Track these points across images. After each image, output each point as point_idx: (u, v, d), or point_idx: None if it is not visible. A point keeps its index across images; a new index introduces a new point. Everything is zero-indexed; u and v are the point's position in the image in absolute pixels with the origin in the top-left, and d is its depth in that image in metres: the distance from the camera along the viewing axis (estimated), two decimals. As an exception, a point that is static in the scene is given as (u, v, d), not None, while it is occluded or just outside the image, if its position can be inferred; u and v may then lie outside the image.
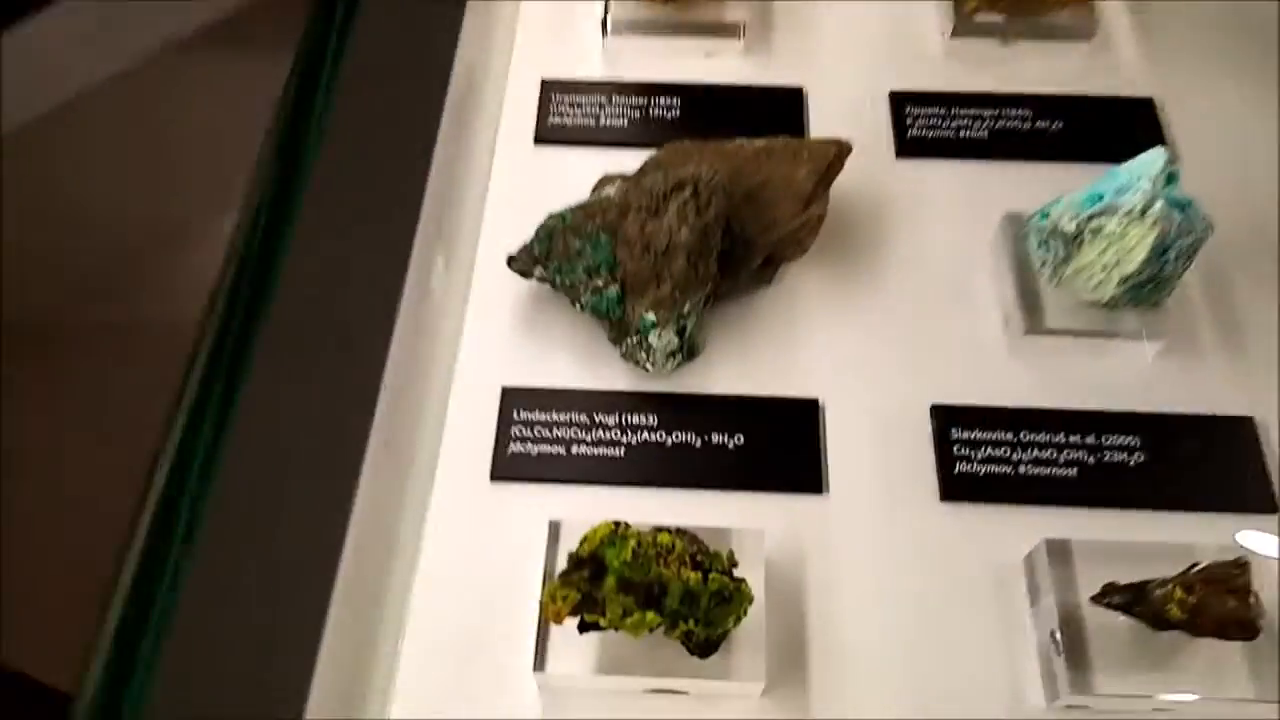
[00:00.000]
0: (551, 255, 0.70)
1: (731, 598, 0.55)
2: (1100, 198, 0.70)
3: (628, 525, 0.56)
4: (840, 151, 0.76)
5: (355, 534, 0.60)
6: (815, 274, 0.77)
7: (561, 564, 0.58)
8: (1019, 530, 0.66)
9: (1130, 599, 0.59)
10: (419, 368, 0.71)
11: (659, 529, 0.57)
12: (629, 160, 0.77)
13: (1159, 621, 0.58)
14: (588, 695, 0.60)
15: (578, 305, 0.70)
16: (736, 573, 0.57)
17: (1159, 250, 0.68)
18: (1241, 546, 0.63)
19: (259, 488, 0.59)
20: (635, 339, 0.69)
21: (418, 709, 0.59)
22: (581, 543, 0.55)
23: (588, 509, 0.66)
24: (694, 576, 0.55)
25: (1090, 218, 0.70)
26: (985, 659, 0.62)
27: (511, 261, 0.72)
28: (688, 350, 0.70)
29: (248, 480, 0.58)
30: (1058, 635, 0.61)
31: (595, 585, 0.55)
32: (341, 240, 0.65)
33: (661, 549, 0.55)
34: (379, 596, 0.62)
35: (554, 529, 0.61)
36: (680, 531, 0.58)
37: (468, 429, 0.69)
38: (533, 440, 0.68)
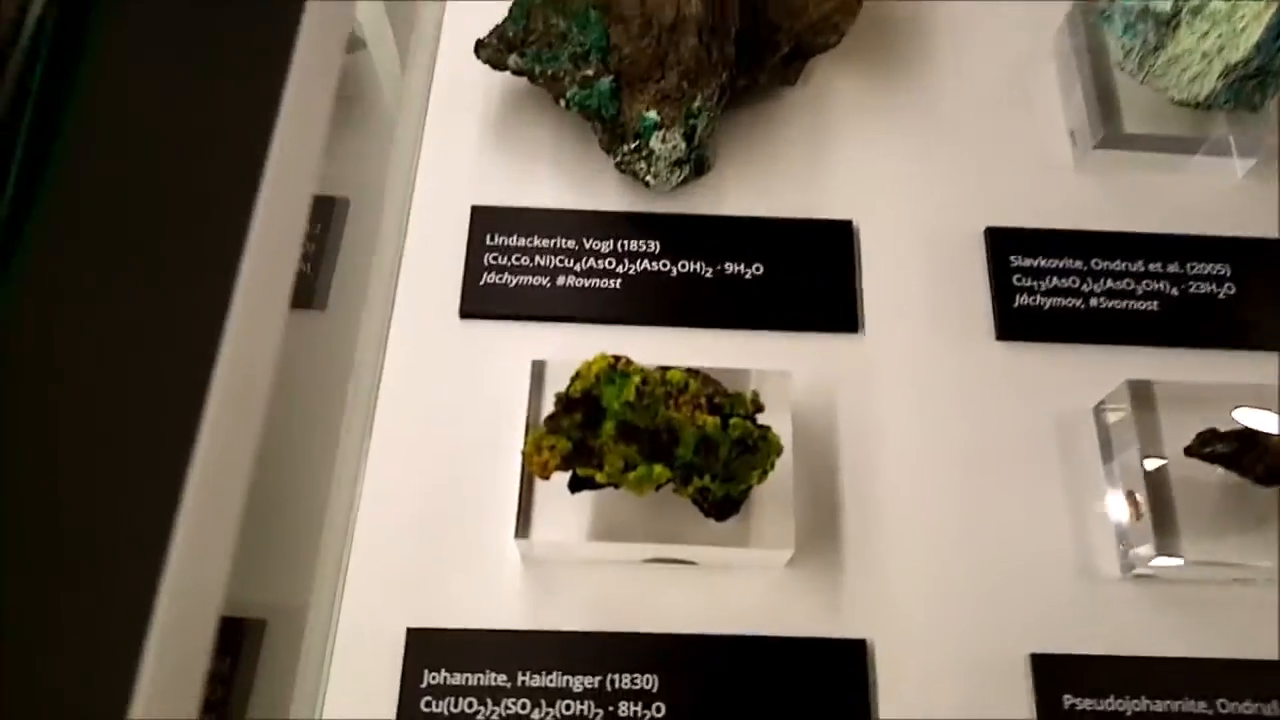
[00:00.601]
0: (529, 39, 0.57)
1: (756, 447, 0.45)
2: (1202, -30, 0.57)
3: (629, 360, 0.45)
4: (881, -78, 0.62)
5: (294, 387, 0.48)
6: (849, 71, 0.64)
7: (549, 410, 0.47)
8: (1089, 373, 0.56)
9: (1236, 449, 0.49)
10: (366, 183, 0.58)
11: (667, 367, 0.46)
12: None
13: (1272, 476, 0.48)
14: (578, 568, 0.50)
15: (562, 102, 0.57)
16: (761, 419, 0.46)
17: (1275, 32, 0.56)
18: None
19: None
20: (633, 144, 0.56)
21: (376, 590, 0.49)
22: (573, 380, 0.44)
23: (576, 352, 0.54)
24: (711, 421, 0.44)
25: (1190, -6, 0.57)
26: (1046, 522, 0.52)
27: (480, 49, 0.58)
28: (696, 162, 0.58)
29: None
30: (1138, 496, 0.51)
31: (590, 432, 0.44)
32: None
33: (672, 388, 0.44)
34: (326, 458, 0.51)
35: (537, 370, 0.50)
36: (692, 371, 0.47)
37: (431, 257, 0.57)
38: (509, 270, 0.57)
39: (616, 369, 0.44)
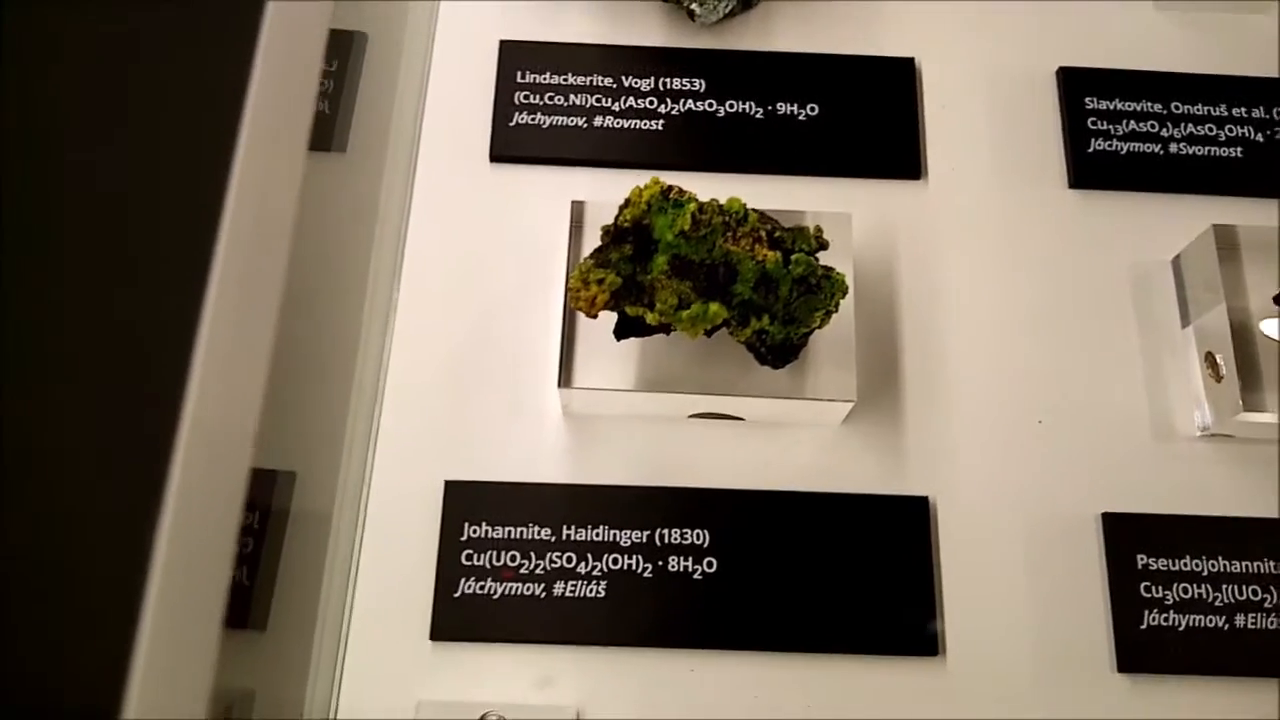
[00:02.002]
0: None
1: (819, 286, 0.41)
2: None
3: (682, 189, 0.41)
4: None
5: (314, 233, 0.45)
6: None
7: (590, 251, 0.43)
8: (1167, 224, 0.52)
9: (1333, 294, 0.45)
10: (386, 15, 0.54)
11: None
12: None
13: (1374, 321, 0.45)
14: (621, 423, 0.47)
15: (599, -76, 0.52)
16: (824, 260, 0.43)
17: None
18: None
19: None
20: (677, -30, 0.51)
21: (410, 443, 0.46)
22: (623, 208, 0.40)
23: (615, 197, 0.51)
24: (772, 256, 0.40)
25: None
26: (1119, 379, 0.49)
27: None
28: (745, -9, 0.53)
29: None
30: (1219, 358, 0.47)
31: (640, 266, 0.40)
32: None
33: (731, 218, 0.40)
34: (353, 308, 0.48)
35: (577, 211, 0.46)
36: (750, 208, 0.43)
37: (457, 97, 0.53)
38: (542, 109, 0.52)
39: (670, 196, 0.40)
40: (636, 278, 0.40)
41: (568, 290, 0.41)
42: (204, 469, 0.34)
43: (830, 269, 0.42)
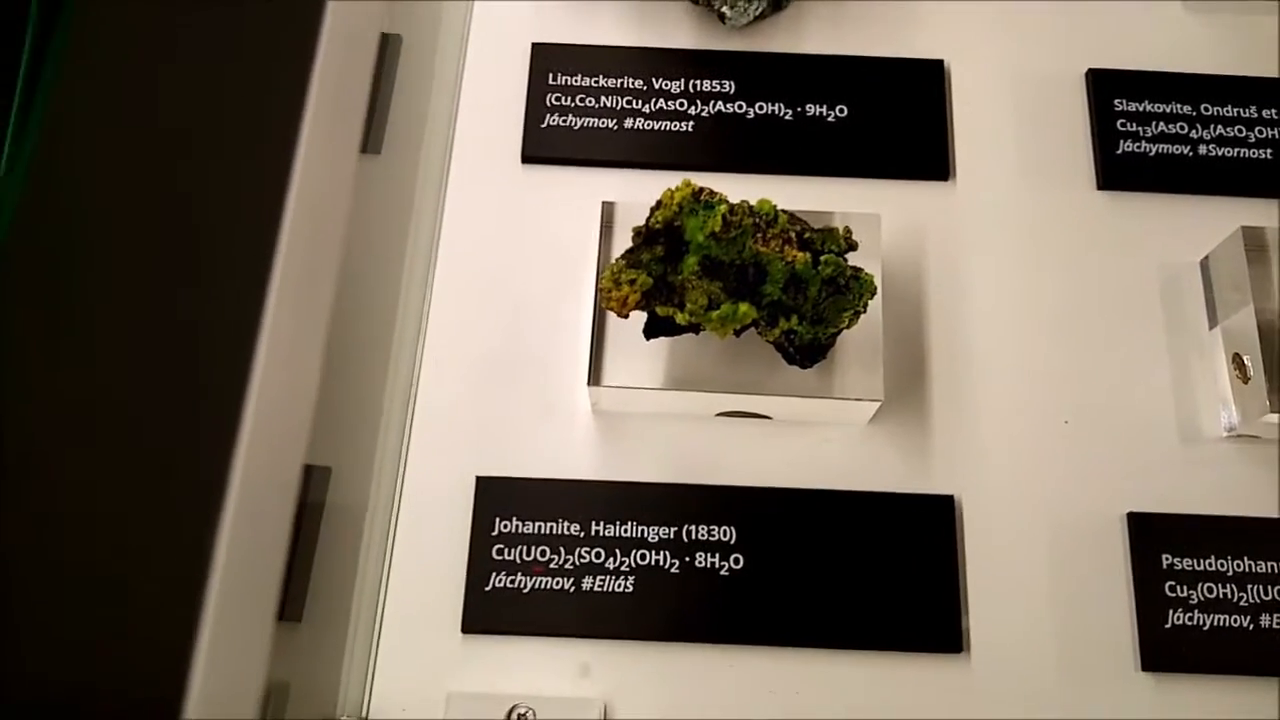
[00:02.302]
0: None
1: (848, 287, 0.42)
2: None
3: (713, 191, 0.41)
4: None
5: (351, 234, 0.46)
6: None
7: (620, 252, 0.44)
8: (1195, 225, 0.52)
9: (1364, 297, 0.45)
10: (419, 17, 0.55)
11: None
12: None
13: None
14: (649, 421, 0.47)
15: (631, -73, 0.53)
16: (852, 261, 0.43)
17: None
18: None
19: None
20: (707, -27, 0.52)
21: (443, 439, 0.47)
22: (654, 210, 0.41)
23: (646, 198, 0.51)
24: (801, 257, 0.41)
25: None
26: (1145, 380, 0.49)
27: None
28: (774, -7, 0.53)
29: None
30: (1246, 359, 0.47)
31: (671, 267, 0.41)
32: None
33: (761, 219, 0.41)
34: (388, 306, 0.49)
35: (607, 212, 0.47)
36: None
37: (490, 99, 0.54)
38: (574, 111, 0.53)
39: (700, 199, 0.41)
40: (667, 278, 0.41)
41: (599, 290, 0.41)
42: (263, 465, 0.35)
43: (859, 270, 0.43)
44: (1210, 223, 0.51)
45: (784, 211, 0.43)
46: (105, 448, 0.33)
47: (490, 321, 0.49)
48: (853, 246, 0.43)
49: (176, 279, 0.35)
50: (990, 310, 0.50)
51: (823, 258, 0.41)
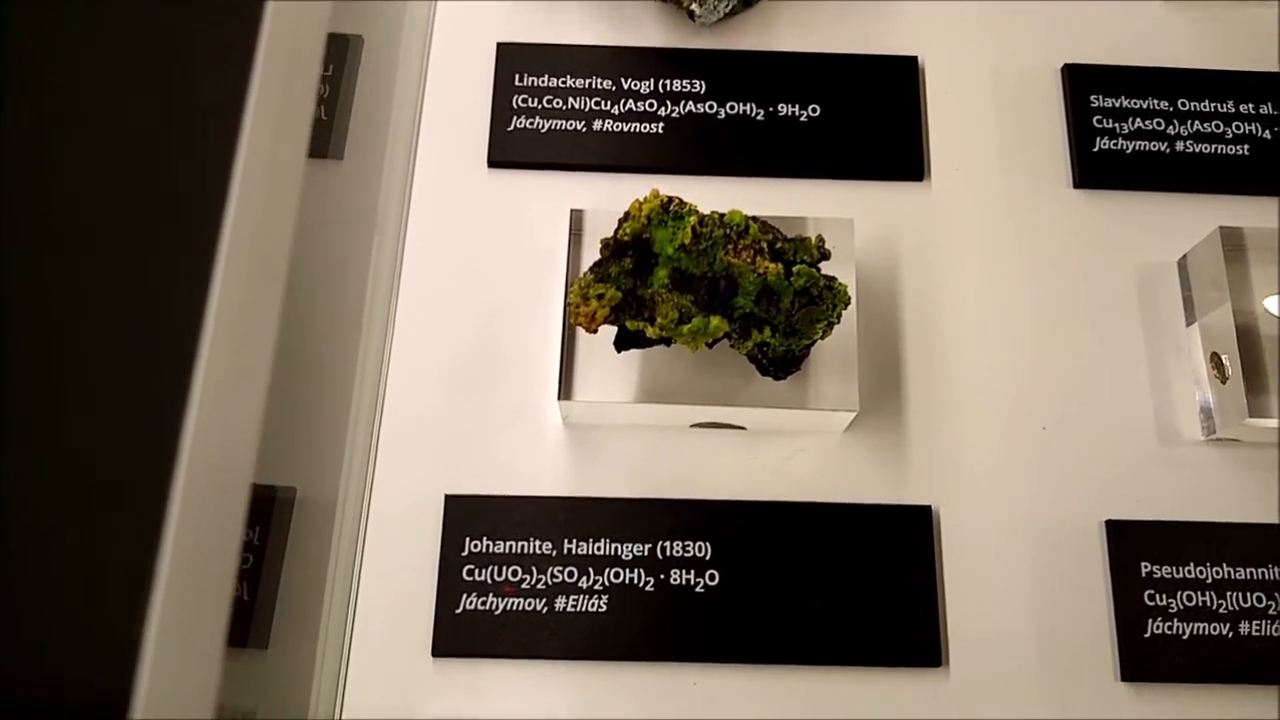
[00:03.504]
0: None
1: (821, 297, 0.41)
2: None
3: (683, 201, 0.40)
4: None
5: (311, 242, 0.44)
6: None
7: (590, 264, 0.43)
8: (1173, 224, 0.51)
9: (1342, 299, 0.45)
10: (381, 17, 0.53)
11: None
12: None
13: (1382, 326, 0.44)
14: (622, 433, 0.46)
15: (596, -77, 0.52)
16: (825, 269, 0.42)
17: None
18: None
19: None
20: (676, -30, 0.50)
21: (410, 456, 0.46)
22: (622, 221, 0.40)
23: (615, 203, 0.50)
24: (774, 269, 0.40)
25: None
26: (1123, 382, 0.48)
27: None
28: (744, -10, 0.52)
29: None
30: (1224, 358, 0.47)
31: (640, 280, 0.40)
32: None
33: (732, 230, 0.40)
34: (352, 319, 0.48)
35: (576, 220, 0.46)
36: (750, 218, 0.42)
37: (454, 101, 0.52)
38: (541, 113, 0.52)
39: (670, 209, 0.40)
40: (637, 291, 0.40)
41: (567, 306, 0.40)
42: (206, 485, 0.33)
43: (832, 279, 0.42)
44: (1188, 221, 0.51)
45: (755, 220, 0.42)
46: (39, 466, 0.31)
47: (458, 332, 0.48)
48: (825, 256, 0.42)
49: (110, 288, 0.33)
50: (966, 314, 0.49)
51: (795, 268, 0.40)
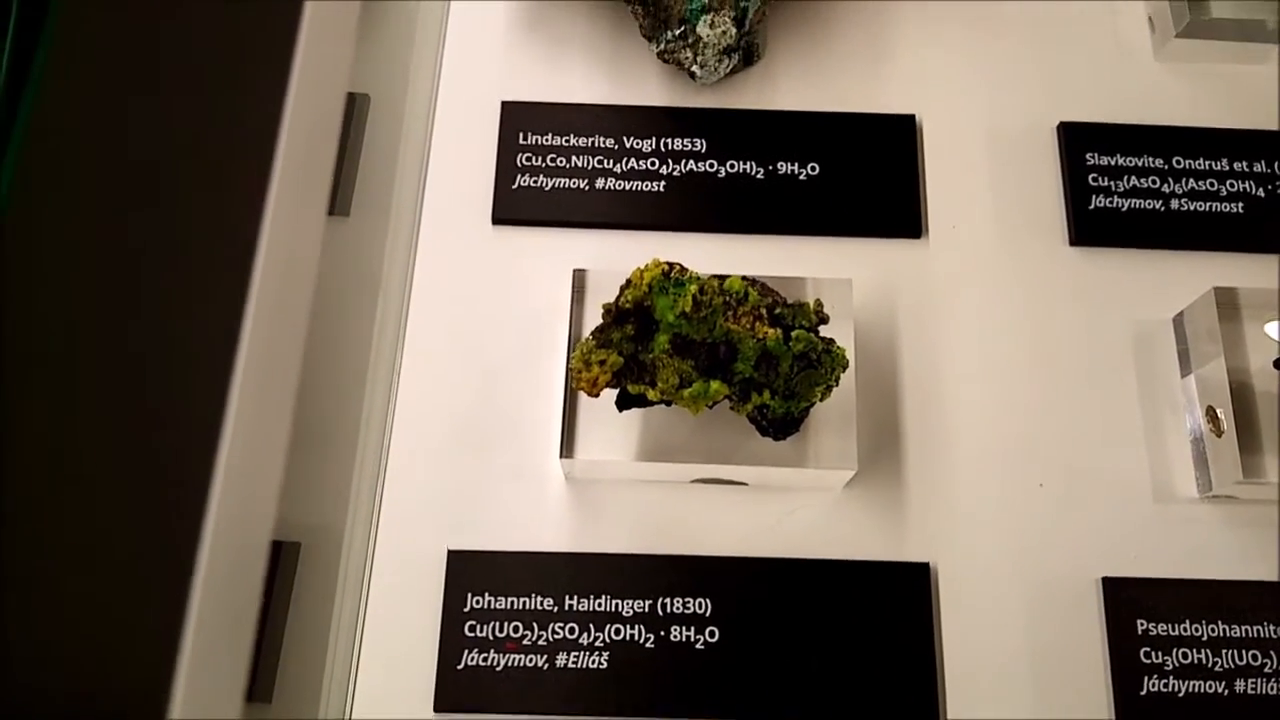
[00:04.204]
0: (562, -83, 0.52)
1: (820, 361, 0.41)
2: None
3: (683, 268, 0.41)
4: None
5: (319, 299, 0.45)
6: (911, -49, 0.59)
7: (591, 326, 0.44)
8: (1168, 281, 0.52)
9: (1334, 361, 0.45)
10: (388, 76, 0.54)
11: (722, 277, 0.42)
12: None
13: (1373, 389, 0.45)
14: (624, 488, 0.47)
15: (600, -14, 0.53)
16: (825, 332, 0.43)
17: (1395, -101, 0.50)
18: None
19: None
20: (678, 31, 0.51)
21: (414, 511, 0.46)
22: (624, 289, 0.41)
23: (617, 260, 0.51)
24: (772, 334, 0.41)
25: None
26: (1120, 440, 0.49)
27: (508, -73, 0.53)
28: (746, 50, 0.53)
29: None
30: (1220, 412, 0.47)
31: (642, 345, 0.41)
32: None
33: (731, 298, 0.41)
34: (357, 374, 0.48)
35: (578, 280, 0.47)
36: (750, 280, 0.43)
37: (459, 158, 0.53)
38: (545, 171, 0.53)
39: (671, 276, 0.40)
40: (638, 356, 0.41)
41: (569, 370, 0.41)
42: (229, 543, 0.35)
43: (831, 342, 0.42)
44: (1183, 278, 0.51)
45: (755, 284, 0.43)
46: (67, 528, 0.32)
47: (462, 387, 0.49)
48: (824, 320, 0.43)
49: (140, 354, 0.35)
50: (963, 371, 0.50)
51: (794, 333, 0.41)
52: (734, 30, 0.51)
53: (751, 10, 0.51)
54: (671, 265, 0.41)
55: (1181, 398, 0.50)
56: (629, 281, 0.41)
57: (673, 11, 0.51)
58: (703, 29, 0.51)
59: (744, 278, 0.43)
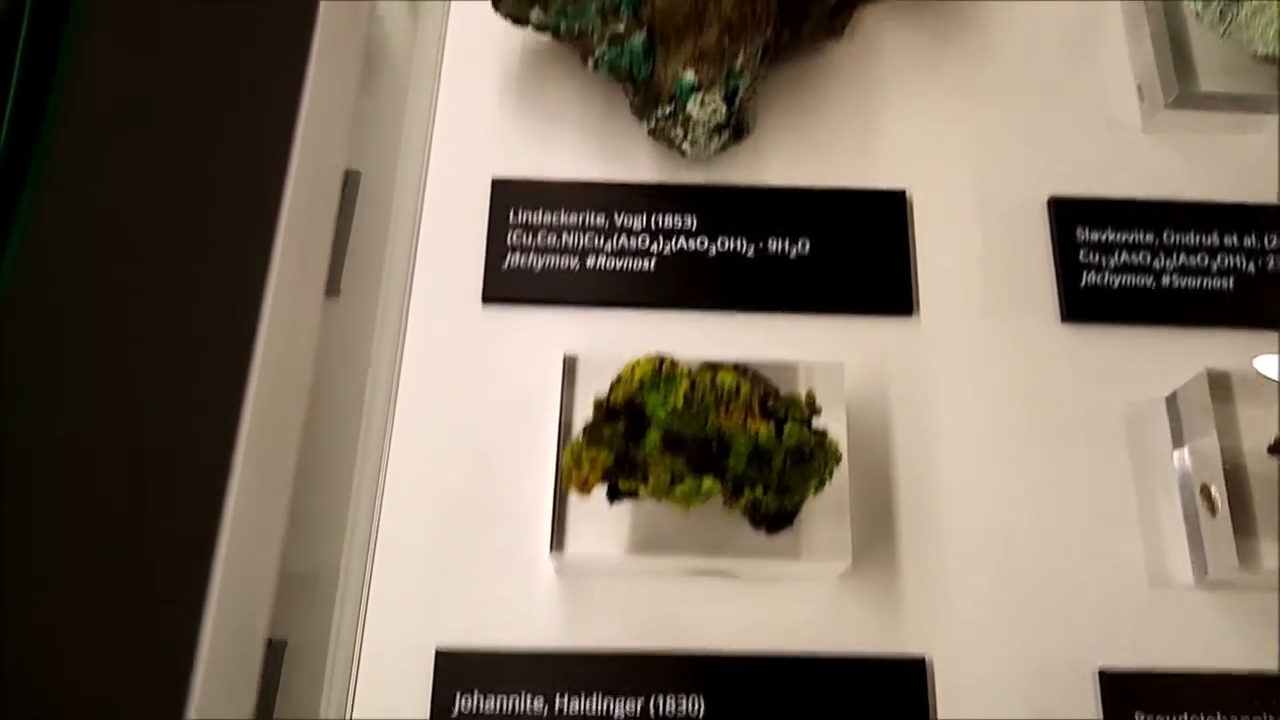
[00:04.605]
0: (552, -6, 0.52)
1: (812, 455, 0.41)
2: (1295, -91, 0.52)
3: (674, 362, 0.41)
4: None
5: (305, 381, 0.45)
6: (898, 21, 0.59)
7: (582, 411, 0.43)
8: (1161, 359, 0.52)
9: (1328, 448, 0.45)
10: (379, 156, 0.54)
11: (715, 366, 0.42)
12: None
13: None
14: (616, 580, 0.46)
15: (590, 62, 0.52)
16: (818, 422, 0.43)
17: (1380, -19, 0.50)
18: None
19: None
20: (669, 109, 0.51)
21: (401, 606, 0.46)
22: (615, 385, 0.40)
23: (607, 340, 0.51)
24: (765, 430, 0.40)
25: (1282, -63, 0.51)
26: (1115, 524, 0.49)
27: (498, 3, 0.53)
28: (736, 126, 0.53)
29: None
30: (1214, 492, 0.47)
31: (633, 442, 0.40)
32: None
33: (722, 393, 0.40)
34: (345, 461, 0.48)
35: (569, 366, 0.46)
36: (741, 369, 0.43)
37: (450, 236, 0.53)
38: (536, 250, 0.52)
39: (662, 372, 0.40)
40: (629, 453, 0.40)
41: (559, 469, 0.40)
42: (227, 642, 0.34)
43: (824, 435, 0.42)
44: (1175, 356, 0.51)
45: (746, 373, 0.42)
46: (67, 635, 0.33)
47: (451, 474, 0.48)
48: (816, 412, 0.42)
49: (139, 450, 0.35)
50: (956, 455, 0.50)
51: (786, 428, 0.41)
52: (724, 109, 0.51)
53: (742, 89, 0.51)
54: (663, 360, 0.40)
55: (1175, 478, 0.50)
56: (620, 378, 0.40)
57: (663, 90, 0.51)
58: (693, 108, 0.50)
59: (735, 366, 0.43)
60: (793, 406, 0.42)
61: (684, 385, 0.40)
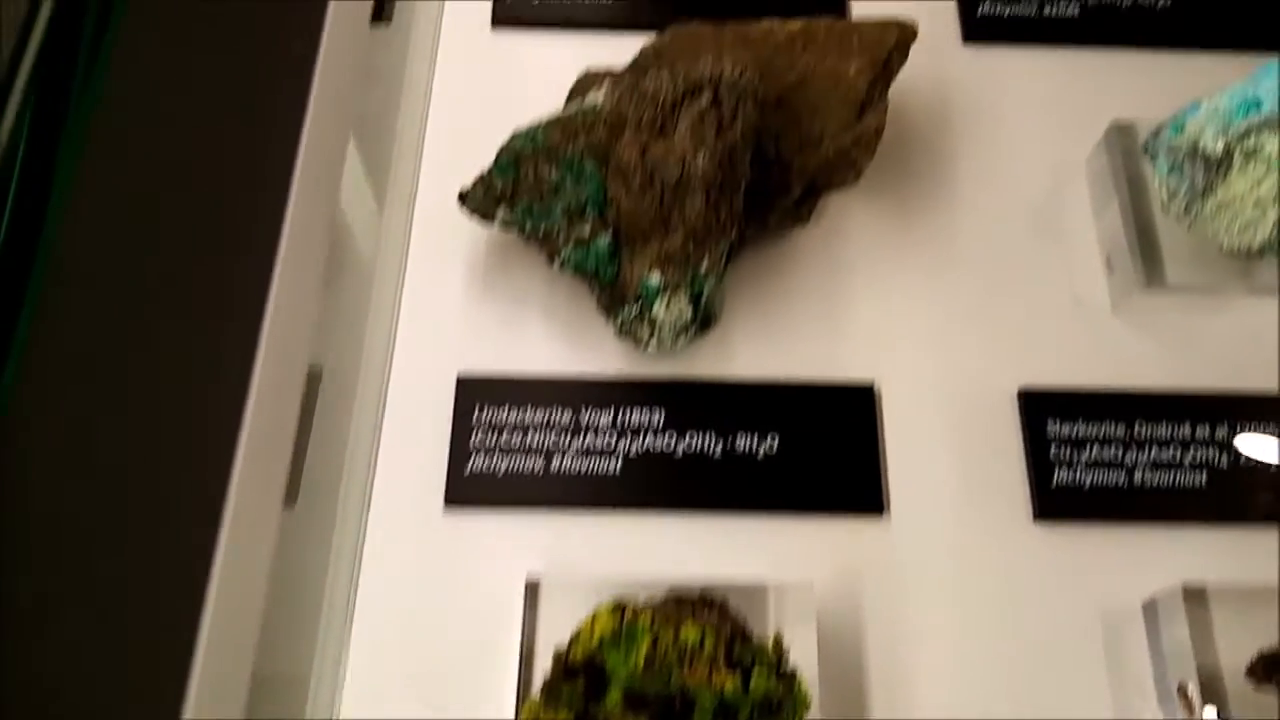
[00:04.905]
0: (519, 190, 0.51)
1: (780, 706, 0.40)
2: (1258, 105, 0.52)
3: (635, 613, 0.40)
4: (902, 38, 0.56)
5: (254, 593, 0.43)
6: (864, 206, 0.59)
7: (545, 636, 0.42)
8: (1136, 559, 0.51)
9: (1304, 677, 0.44)
10: (342, 351, 0.53)
11: (680, 603, 0.41)
12: (619, 49, 0.57)
13: (1346, 709, 0.44)
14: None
15: (555, 262, 0.52)
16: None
17: (1341, 184, 0.51)
18: None
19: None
20: (634, 309, 0.51)
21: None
22: (573, 643, 0.39)
23: (575, 546, 0.50)
24: (730, 683, 0.39)
25: (1244, 134, 0.52)
26: (1092, 729, 0.48)
27: (464, 199, 0.52)
28: (703, 319, 0.52)
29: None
30: (1190, 690, 0.46)
31: (593, 701, 0.39)
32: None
33: (686, 649, 0.39)
34: (299, 683, 0.46)
35: (531, 592, 0.45)
36: (708, 602, 0.42)
37: (412, 437, 0.52)
38: (500, 450, 0.51)
39: (623, 630, 0.39)
40: (589, 712, 0.39)
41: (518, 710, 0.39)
42: None
43: (793, 678, 0.41)
44: (1151, 555, 0.51)
45: (711, 608, 0.41)
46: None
47: (410, 701, 0.47)
48: (784, 657, 0.41)
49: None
50: (930, 663, 0.48)
51: (753, 679, 0.39)
52: (690, 309, 0.50)
53: (708, 290, 0.51)
54: (623, 610, 0.39)
55: (1151, 683, 0.49)
56: (578, 635, 0.39)
57: (629, 290, 0.51)
58: (659, 309, 0.50)
59: (702, 598, 0.42)
60: (759, 655, 0.40)
61: (645, 644, 0.38)
